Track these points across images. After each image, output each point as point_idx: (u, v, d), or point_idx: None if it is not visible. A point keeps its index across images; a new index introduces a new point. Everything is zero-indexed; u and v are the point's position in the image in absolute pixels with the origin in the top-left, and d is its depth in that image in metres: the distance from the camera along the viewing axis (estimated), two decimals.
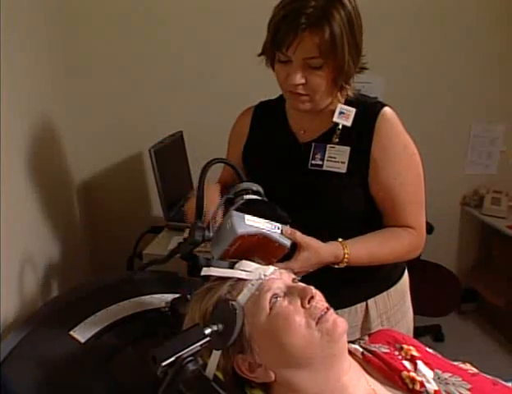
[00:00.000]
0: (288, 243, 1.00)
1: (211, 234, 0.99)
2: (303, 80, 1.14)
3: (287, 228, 1.03)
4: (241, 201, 1.01)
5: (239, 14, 2.46)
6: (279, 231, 1.00)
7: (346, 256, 1.13)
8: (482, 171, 2.93)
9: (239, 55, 2.48)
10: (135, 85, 2.54)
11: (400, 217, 1.23)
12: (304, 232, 1.06)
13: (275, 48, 1.14)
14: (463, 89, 2.75)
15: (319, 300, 0.87)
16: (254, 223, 0.97)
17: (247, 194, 1.04)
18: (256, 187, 1.06)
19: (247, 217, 0.97)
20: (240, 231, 0.94)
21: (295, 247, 1.05)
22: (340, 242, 1.14)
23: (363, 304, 1.34)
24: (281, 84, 1.21)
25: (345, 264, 1.14)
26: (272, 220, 1.01)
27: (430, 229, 2.57)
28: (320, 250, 1.09)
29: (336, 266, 1.14)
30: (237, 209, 0.99)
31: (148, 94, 2.56)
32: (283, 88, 1.21)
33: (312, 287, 0.87)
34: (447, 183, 2.83)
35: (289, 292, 0.87)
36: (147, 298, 1.42)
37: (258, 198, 1.04)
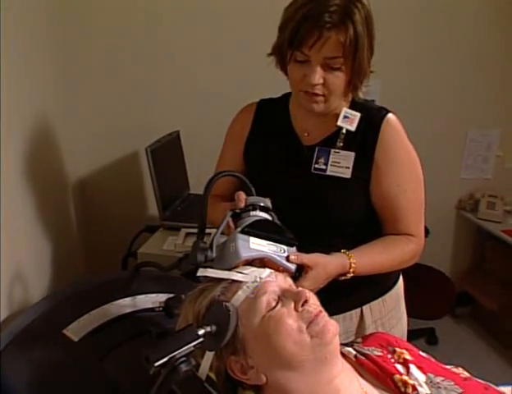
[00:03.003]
0: (293, 267, 0.98)
1: (214, 254, 0.95)
2: (321, 80, 1.13)
3: (293, 253, 1.00)
4: (247, 223, 0.98)
5: (237, 15, 2.46)
6: (285, 254, 0.98)
7: (353, 265, 1.11)
8: (477, 175, 2.94)
9: (236, 55, 2.49)
10: (132, 85, 2.53)
11: (401, 225, 1.23)
12: (302, 235, 1.03)
13: (294, 48, 1.12)
14: (460, 94, 2.77)
15: (312, 303, 0.87)
16: (259, 247, 0.95)
17: (254, 209, 1.01)
18: (264, 203, 1.03)
19: (252, 240, 0.95)
20: (244, 255, 0.92)
21: (302, 267, 1.02)
22: (344, 252, 1.13)
23: (358, 310, 1.33)
24: (295, 84, 1.19)
25: (352, 274, 1.12)
26: (278, 242, 0.98)
27: (425, 232, 2.56)
28: (328, 264, 1.07)
29: (343, 277, 1.11)
30: (242, 230, 0.96)
31: (145, 94, 2.55)
32: (297, 88, 1.19)
33: (306, 290, 0.87)
34: (443, 187, 2.84)
35: (283, 295, 0.87)
36: (141, 297, 1.42)
37: (265, 217, 1.01)
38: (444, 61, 2.70)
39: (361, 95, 1.24)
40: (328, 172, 1.22)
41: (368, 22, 1.11)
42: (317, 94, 1.16)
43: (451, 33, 2.66)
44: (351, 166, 1.21)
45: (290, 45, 1.12)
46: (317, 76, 1.12)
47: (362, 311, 1.33)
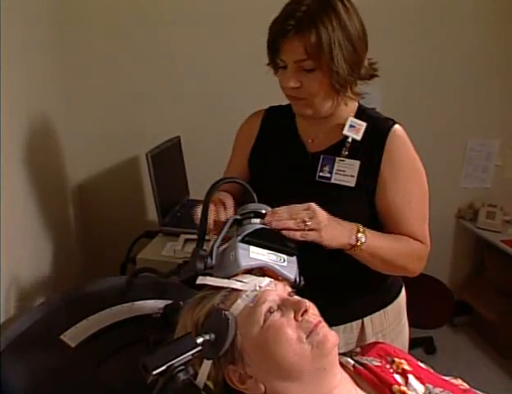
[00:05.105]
0: (292, 276, 0.97)
1: (213, 261, 0.95)
2: (298, 84, 1.13)
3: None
4: (247, 231, 0.98)
5: (238, 20, 2.47)
6: (284, 264, 0.97)
7: (361, 230, 1.10)
8: (477, 184, 2.94)
9: (237, 61, 2.50)
10: (133, 90, 2.54)
11: (403, 233, 1.22)
12: (304, 245, 1.02)
13: (272, 53, 1.15)
14: (460, 104, 2.77)
15: (312, 313, 0.87)
16: (259, 256, 0.95)
17: (255, 216, 1.01)
18: (265, 210, 1.03)
19: (252, 249, 0.95)
20: (244, 264, 0.92)
21: (300, 279, 1.00)
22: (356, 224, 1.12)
23: (359, 321, 1.32)
24: (282, 90, 1.20)
25: (362, 244, 1.10)
26: (279, 251, 0.98)
27: None
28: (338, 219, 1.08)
29: (353, 248, 1.10)
30: (243, 239, 0.96)
31: (146, 99, 2.56)
32: (285, 94, 1.21)
33: (306, 300, 0.87)
34: (443, 196, 2.83)
35: (283, 305, 0.87)
36: (140, 303, 1.41)
37: (266, 226, 1.01)
38: (444, 70, 2.71)
39: (352, 97, 1.22)
40: (333, 180, 1.22)
41: (345, 30, 1.10)
42: (298, 98, 1.17)
43: (451, 42, 2.67)
44: (356, 174, 1.21)
45: (269, 52, 1.16)
46: (292, 80, 1.13)
47: (363, 323, 1.32)
